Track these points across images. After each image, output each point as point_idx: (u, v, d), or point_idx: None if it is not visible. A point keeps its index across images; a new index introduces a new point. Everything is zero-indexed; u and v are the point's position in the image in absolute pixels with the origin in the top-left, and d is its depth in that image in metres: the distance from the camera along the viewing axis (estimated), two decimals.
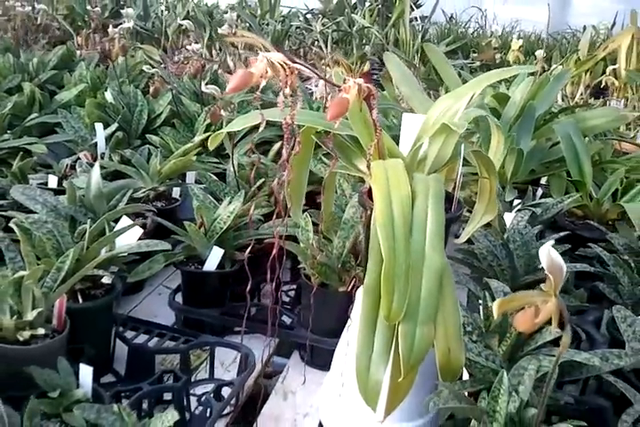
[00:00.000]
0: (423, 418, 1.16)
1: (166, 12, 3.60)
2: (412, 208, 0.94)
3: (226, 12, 4.50)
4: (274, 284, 1.07)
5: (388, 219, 0.92)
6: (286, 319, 1.61)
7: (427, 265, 0.92)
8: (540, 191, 1.97)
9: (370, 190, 1.16)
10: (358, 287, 1.44)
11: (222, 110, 1.60)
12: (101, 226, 1.32)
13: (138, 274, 1.41)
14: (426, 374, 1.10)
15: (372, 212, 1.04)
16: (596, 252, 1.51)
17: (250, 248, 1.54)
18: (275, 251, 1.05)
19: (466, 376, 1.11)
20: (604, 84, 3.18)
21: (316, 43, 3.32)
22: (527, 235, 1.47)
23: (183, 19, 3.51)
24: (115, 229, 1.30)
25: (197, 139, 1.88)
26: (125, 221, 1.32)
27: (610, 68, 3.10)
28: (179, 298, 1.58)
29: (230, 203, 1.49)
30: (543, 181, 2.10)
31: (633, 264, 1.45)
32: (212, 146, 1.15)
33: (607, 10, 5.66)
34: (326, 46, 3.34)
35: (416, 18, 3.69)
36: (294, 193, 1.25)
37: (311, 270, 1.41)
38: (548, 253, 0.70)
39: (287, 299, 1.75)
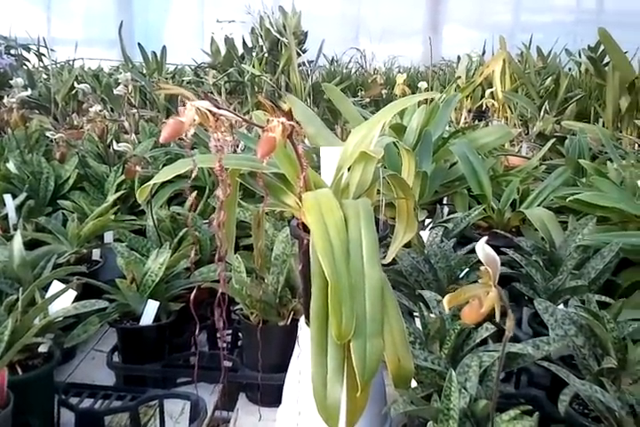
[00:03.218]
0: None
1: (53, 80, 3.57)
2: (347, 231, 1.01)
3: (111, 75, 4.54)
4: (221, 323, 1.09)
5: (327, 243, 0.98)
6: (226, 363, 1.61)
7: (367, 282, 0.98)
8: (445, 209, 2.10)
9: (302, 222, 1.22)
10: (298, 320, 1.49)
11: (137, 166, 1.62)
12: (31, 294, 1.30)
13: (74, 338, 1.38)
14: (373, 388, 1.16)
15: (307, 241, 1.10)
16: (505, 258, 1.63)
17: (189, 295, 1.56)
18: (220, 291, 1.07)
19: (414, 384, 1.17)
20: (484, 106, 3.45)
21: (210, 95, 3.39)
22: (444, 248, 1.57)
23: (71, 84, 3.50)
24: (47, 295, 1.29)
25: (111, 198, 1.89)
26: (57, 285, 1.30)
27: (488, 91, 3.36)
28: (116, 358, 1.56)
29: (158, 255, 1.50)
30: (445, 200, 2.25)
31: (542, 262, 1.58)
32: (141, 198, 1.18)
33: (474, 39, 6.14)
34: (220, 97, 3.42)
35: (303, 63, 3.87)
36: (226, 235, 1.29)
37: (250, 309, 1.44)
38: (483, 249, 0.78)
39: (224, 344, 1.75)
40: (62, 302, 1.31)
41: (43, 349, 1.31)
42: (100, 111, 1.94)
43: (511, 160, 2.68)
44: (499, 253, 1.69)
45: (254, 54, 3.70)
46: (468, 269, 1.51)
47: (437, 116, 2.10)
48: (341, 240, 0.99)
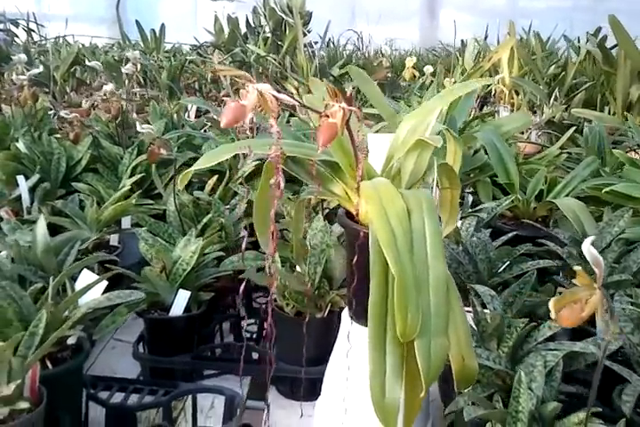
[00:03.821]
0: None
1: (51, 57, 3.45)
2: (410, 223, 0.96)
3: (107, 52, 4.41)
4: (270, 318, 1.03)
5: (390, 234, 0.93)
6: (254, 355, 1.56)
7: (432, 275, 0.93)
8: (470, 198, 2.05)
9: (348, 212, 1.17)
10: (335, 311, 1.44)
11: (161, 149, 1.55)
12: (60, 284, 1.23)
13: (102, 329, 1.32)
14: None
15: (362, 233, 1.05)
16: (534, 249, 1.60)
17: (218, 284, 1.50)
18: (273, 283, 1.02)
19: None
20: (494, 91, 3.39)
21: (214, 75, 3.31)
22: (482, 239, 1.52)
23: (71, 61, 3.39)
24: (77, 285, 1.22)
25: (129, 182, 1.81)
26: (87, 275, 1.24)
27: (497, 77, 3.30)
28: (141, 349, 1.51)
29: (188, 243, 1.44)
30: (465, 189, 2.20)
31: (579, 255, 1.54)
32: (182, 185, 1.12)
33: (470, 24, 6.06)
34: (225, 78, 3.33)
35: (306, 44, 3.77)
36: (261, 224, 1.23)
37: (285, 300, 1.38)
38: (589, 250, 0.73)
39: (248, 335, 1.70)
40: (93, 292, 1.24)
41: (71, 340, 1.24)
42: (117, 90, 1.85)
43: (527, 148, 2.64)
44: (532, 243, 1.67)
45: (259, 34, 3.60)
46: (508, 262, 1.47)
47: (461, 103, 2.04)
48: (404, 231, 0.94)
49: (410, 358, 1.01)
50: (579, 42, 4.54)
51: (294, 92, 3.43)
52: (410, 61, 3.23)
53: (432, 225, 0.96)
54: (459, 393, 1.06)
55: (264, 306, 1.60)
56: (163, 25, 4.07)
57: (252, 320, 1.74)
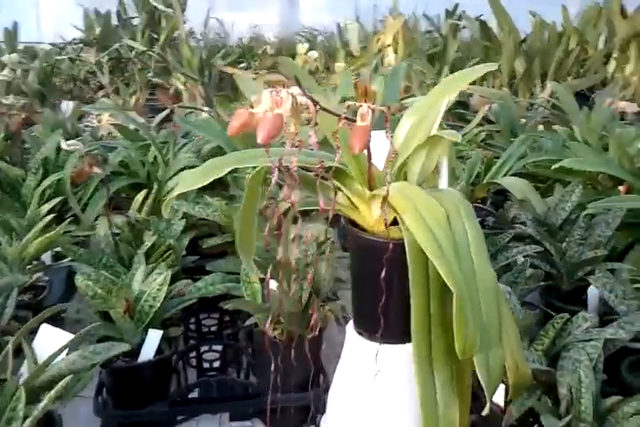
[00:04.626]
0: None
1: None
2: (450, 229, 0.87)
3: None
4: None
5: (436, 245, 0.83)
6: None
7: (480, 284, 0.86)
8: None
9: (352, 221, 1.05)
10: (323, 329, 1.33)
11: (93, 167, 1.32)
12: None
13: (68, 392, 1.10)
14: None
15: (391, 245, 0.94)
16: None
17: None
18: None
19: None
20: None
21: (92, 75, 3.01)
22: None
23: None
24: (38, 343, 1.01)
25: (45, 208, 1.56)
26: (49, 330, 1.02)
27: (387, 58, 3.29)
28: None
29: (150, 275, 1.25)
30: None
31: (549, 234, 1.53)
32: (165, 212, 0.94)
33: (335, 7, 6.07)
34: (103, 75, 3.04)
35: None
36: (245, 243, 1.09)
37: (273, 325, 1.25)
38: None
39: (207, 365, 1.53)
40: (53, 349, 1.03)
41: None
42: (19, 103, 1.57)
43: None
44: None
45: (134, 28, 3.31)
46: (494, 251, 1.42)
47: (388, 86, 1.97)
48: (448, 239, 0.85)
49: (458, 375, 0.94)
50: (439, 20, 4.68)
51: (182, 87, 3.21)
52: (302, 48, 3.12)
53: (473, 229, 0.88)
54: (507, 403, 0.99)
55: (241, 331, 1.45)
56: (16, 23, 3.63)
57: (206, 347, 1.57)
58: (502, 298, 0.91)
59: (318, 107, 0.80)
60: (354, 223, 1.06)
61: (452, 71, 3.76)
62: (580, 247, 1.48)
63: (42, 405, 0.87)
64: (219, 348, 1.55)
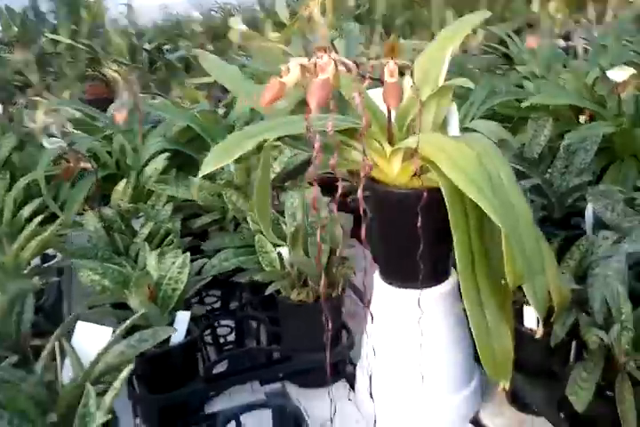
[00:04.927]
0: (469, 387, 1.21)
1: None
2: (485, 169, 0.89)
3: None
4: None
5: (474, 186, 0.86)
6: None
7: (521, 218, 0.89)
8: None
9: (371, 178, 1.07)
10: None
11: (81, 163, 1.27)
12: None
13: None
14: (460, 346, 1.16)
15: (419, 195, 0.96)
16: None
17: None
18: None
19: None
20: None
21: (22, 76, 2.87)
22: None
23: None
24: (76, 341, 0.98)
25: (27, 210, 1.50)
26: (86, 327, 1.00)
27: (321, 22, 3.26)
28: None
29: (159, 259, 1.23)
30: None
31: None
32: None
33: None
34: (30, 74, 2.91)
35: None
36: (262, 212, 1.10)
37: (298, 289, 1.25)
38: None
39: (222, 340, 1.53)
40: (96, 344, 1.01)
41: None
42: None
43: None
44: None
45: (55, 21, 3.16)
46: None
47: (347, 46, 1.98)
48: (484, 178, 0.88)
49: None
50: None
51: (115, 75, 3.11)
52: (234, 23, 3.06)
53: (504, 166, 0.91)
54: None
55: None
56: None
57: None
58: (538, 230, 0.94)
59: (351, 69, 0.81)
60: (373, 180, 1.08)
61: (385, 29, 3.80)
62: (564, 176, 1.54)
63: (109, 398, 0.86)
64: (230, 323, 1.56)
